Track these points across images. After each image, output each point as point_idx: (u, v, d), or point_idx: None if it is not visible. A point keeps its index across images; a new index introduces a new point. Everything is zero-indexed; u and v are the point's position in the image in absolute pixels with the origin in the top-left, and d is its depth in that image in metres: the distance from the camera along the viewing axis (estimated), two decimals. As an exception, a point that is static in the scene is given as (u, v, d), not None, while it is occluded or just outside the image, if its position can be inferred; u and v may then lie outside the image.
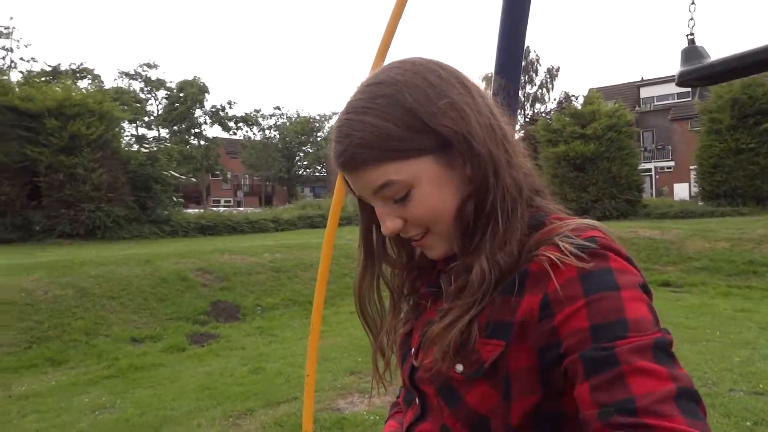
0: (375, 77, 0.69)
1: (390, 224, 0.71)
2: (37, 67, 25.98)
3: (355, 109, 0.68)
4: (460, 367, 0.67)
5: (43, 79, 18.80)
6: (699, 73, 1.65)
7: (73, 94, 13.46)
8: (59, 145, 12.86)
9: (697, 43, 1.74)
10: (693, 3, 1.71)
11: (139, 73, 34.31)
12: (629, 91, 39.12)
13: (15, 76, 23.15)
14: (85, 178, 12.98)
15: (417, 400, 0.76)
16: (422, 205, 0.69)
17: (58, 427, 4.11)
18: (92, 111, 13.37)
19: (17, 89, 13.30)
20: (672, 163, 35.88)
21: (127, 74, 34.11)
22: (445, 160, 0.68)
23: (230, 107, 36.84)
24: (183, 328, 6.93)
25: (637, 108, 36.62)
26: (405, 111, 0.66)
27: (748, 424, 3.67)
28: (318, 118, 41.94)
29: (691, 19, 1.71)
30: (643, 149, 35.39)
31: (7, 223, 12.52)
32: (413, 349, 0.75)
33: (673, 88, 37.35)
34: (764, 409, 3.88)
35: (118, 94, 22.61)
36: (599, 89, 35.03)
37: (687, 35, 1.72)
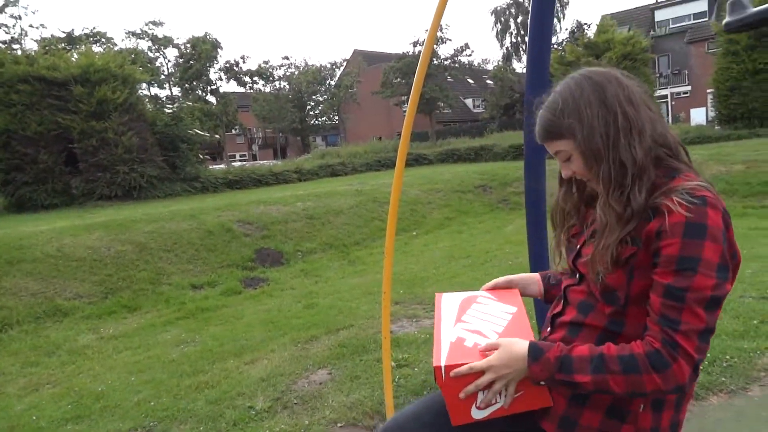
0: (557, 84, 1.20)
1: (564, 173, 1.21)
2: (47, 34, 25.98)
3: (543, 104, 1.18)
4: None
5: (61, 46, 18.98)
6: (743, 21, 2.05)
7: (96, 59, 13.75)
8: (88, 110, 13.25)
9: None
10: None
11: (146, 32, 34.03)
12: (643, 15, 37.97)
13: (29, 44, 23.36)
14: (116, 142, 13.46)
15: (577, 275, 1.25)
16: (575, 168, 1.16)
17: (153, 359, 4.77)
18: (115, 75, 13.71)
19: (40, 60, 13.59)
20: (689, 88, 35.21)
21: (133, 34, 33.88)
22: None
23: (243, 62, 36.37)
24: (235, 274, 7.58)
25: (651, 32, 35.62)
26: (559, 111, 1.13)
27: (755, 322, 4.16)
28: (329, 66, 41.38)
29: None
30: (658, 75, 34.69)
31: (49, 189, 13.13)
32: (578, 246, 1.24)
33: (688, 9, 36.16)
34: (769, 310, 4.37)
35: (134, 55, 22.68)
36: (612, 15, 33.94)
37: None
